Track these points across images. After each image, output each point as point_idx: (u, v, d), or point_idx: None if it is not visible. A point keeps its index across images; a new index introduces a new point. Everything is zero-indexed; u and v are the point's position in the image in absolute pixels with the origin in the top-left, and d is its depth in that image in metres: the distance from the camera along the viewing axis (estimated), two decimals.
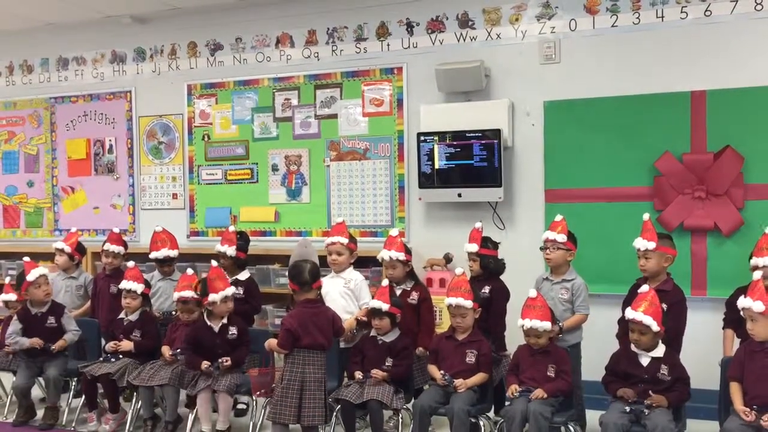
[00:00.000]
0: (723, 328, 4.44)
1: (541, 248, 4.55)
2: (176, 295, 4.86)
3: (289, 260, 4.85)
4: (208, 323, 4.70)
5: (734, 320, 4.24)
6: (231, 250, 5.21)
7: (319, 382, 4.14)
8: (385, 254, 4.73)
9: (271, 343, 4.23)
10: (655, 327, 3.83)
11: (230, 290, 4.70)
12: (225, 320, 4.68)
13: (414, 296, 4.76)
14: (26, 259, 5.28)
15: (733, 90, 5.01)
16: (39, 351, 5.05)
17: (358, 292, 4.88)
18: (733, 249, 4.90)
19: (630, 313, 3.89)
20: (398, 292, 4.76)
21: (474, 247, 4.71)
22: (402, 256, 4.72)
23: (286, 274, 5.95)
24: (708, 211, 5.08)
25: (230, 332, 4.66)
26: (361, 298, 4.87)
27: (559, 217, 4.54)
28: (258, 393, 4.45)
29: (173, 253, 5.40)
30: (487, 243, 4.78)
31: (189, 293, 4.81)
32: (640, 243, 4.24)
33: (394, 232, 4.88)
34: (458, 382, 4.20)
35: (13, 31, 7.22)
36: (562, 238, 4.45)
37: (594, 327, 4.57)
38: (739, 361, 3.78)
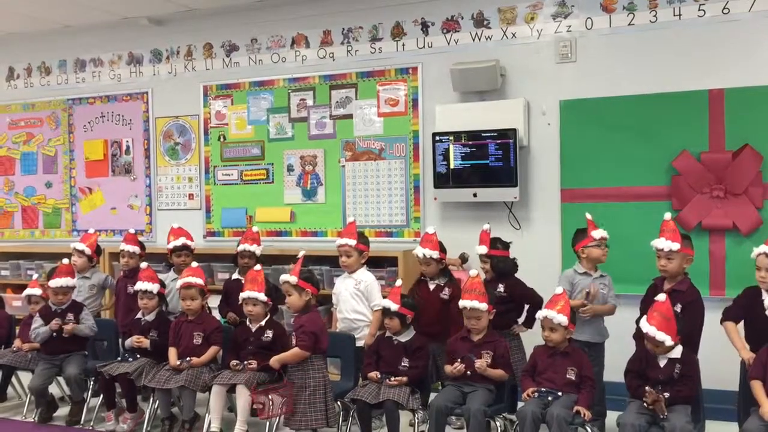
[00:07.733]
0: (722, 321, 4.10)
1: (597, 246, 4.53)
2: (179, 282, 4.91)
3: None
4: (248, 323, 4.75)
5: (737, 316, 4.09)
6: (258, 249, 5.31)
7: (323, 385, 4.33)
8: (419, 251, 4.88)
9: (281, 358, 4.35)
10: (669, 342, 3.79)
11: (255, 294, 4.59)
12: (263, 323, 4.68)
13: (446, 292, 4.87)
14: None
15: (752, 88, 4.96)
16: (59, 349, 5.13)
17: (368, 294, 4.91)
18: (753, 249, 4.84)
19: (645, 327, 3.83)
20: (431, 287, 4.92)
21: (484, 249, 4.75)
22: (436, 254, 4.85)
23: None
24: (726, 211, 5.03)
25: (265, 335, 4.67)
26: (371, 300, 4.90)
27: (588, 216, 4.59)
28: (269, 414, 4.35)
29: (190, 243, 5.50)
30: (497, 244, 4.80)
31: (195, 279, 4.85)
32: (664, 244, 4.13)
33: (430, 229, 4.99)
34: (479, 362, 4.16)
35: (31, 33, 7.28)
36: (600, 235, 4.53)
37: (612, 327, 4.54)
38: (761, 362, 3.73)
